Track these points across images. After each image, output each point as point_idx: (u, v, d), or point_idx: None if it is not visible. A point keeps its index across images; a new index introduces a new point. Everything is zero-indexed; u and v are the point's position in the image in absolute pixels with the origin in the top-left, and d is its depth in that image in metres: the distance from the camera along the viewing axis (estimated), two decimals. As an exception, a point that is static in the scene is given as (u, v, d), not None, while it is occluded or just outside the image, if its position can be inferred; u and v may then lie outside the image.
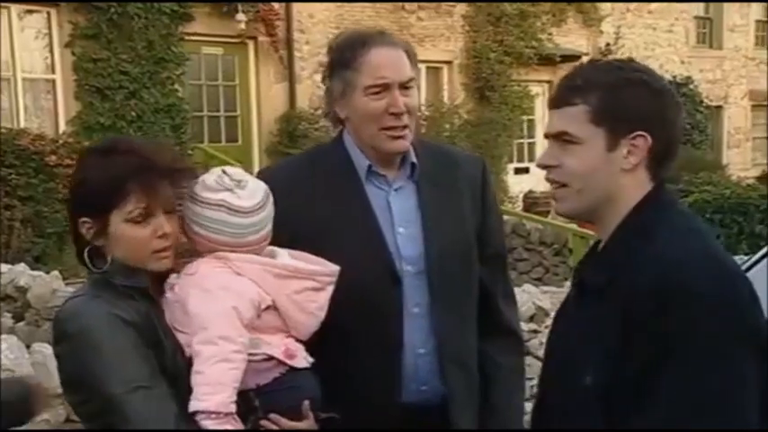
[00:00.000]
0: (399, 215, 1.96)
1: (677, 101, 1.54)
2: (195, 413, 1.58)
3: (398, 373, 1.91)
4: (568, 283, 6.66)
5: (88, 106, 9.57)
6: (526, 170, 14.24)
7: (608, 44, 15.39)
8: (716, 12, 18.33)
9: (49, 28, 9.53)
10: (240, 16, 10.44)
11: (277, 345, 1.70)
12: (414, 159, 1.99)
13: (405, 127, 1.92)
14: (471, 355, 2.04)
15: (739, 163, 18.25)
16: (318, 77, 11.23)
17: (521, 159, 14.25)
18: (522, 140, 14.13)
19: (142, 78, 9.79)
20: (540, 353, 6.40)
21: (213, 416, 1.57)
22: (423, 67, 12.77)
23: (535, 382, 5.70)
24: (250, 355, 1.65)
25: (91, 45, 9.54)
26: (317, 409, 1.75)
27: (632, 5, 16.33)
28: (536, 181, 14.21)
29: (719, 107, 18.15)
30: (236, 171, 1.75)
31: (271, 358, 1.69)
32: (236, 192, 1.70)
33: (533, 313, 6.36)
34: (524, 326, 6.33)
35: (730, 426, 1.34)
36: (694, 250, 1.43)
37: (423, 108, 12.21)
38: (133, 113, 9.70)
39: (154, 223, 1.65)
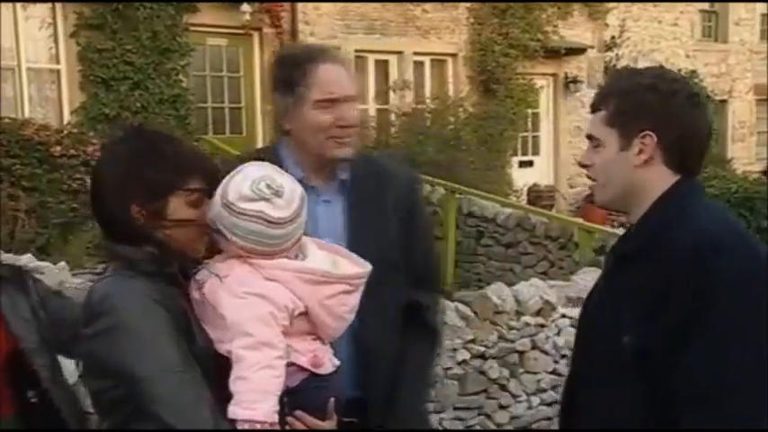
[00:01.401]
0: (325, 227, 2.01)
1: (692, 100, 1.68)
2: (235, 420, 1.55)
3: None
4: (575, 277, 6.65)
5: (93, 97, 9.53)
6: (530, 163, 14.19)
7: (613, 37, 15.31)
8: (721, 5, 18.26)
9: (54, 18, 9.48)
10: (245, 7, 10.38)
11: (304, 352, 1.69)
12: (344, 175, 2.08)
13: (349, 137, 2.02)
14: (392, 368, 2.05)
15: (744, 157, 18.19)
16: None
17: (525, 153, 14.19)
18: (526, 134, 14.06)
19: (147, 69, 9.74)
20: (548, 347, 6.45)
21: (258, 425, 1.55)
22: (427, 59, 12.75)
23: (541, 376, 5.67)
24: None
25: (96, 35, 9.49)
26: (341, 410, 1.74)
27: (638, -2, 16.26)
28: (540, 174, 14.17)
29: (724, 101, 18.09)
30: (269, 175, 1.69)
31: (297, 367, 1.68)
32: (274, 201, 1.66)
33: (540, 307, 6.31)
34: (531, 320, 6.29)
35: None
36: (726, 223, 1.60)
37: (428, 101, 12.18)
38: (138, 104, 9.65)
39: (201, 208, 1.68)
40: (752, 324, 1.46)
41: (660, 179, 1.68)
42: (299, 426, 1.68)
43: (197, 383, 1.55)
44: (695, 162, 1.70)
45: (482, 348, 5.84)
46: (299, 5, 11.12)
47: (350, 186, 2.09)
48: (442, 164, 10.32)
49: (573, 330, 6.57)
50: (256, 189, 1.65)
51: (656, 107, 1.66)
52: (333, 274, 1.71)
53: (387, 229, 2.07)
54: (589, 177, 1.78)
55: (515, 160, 13.59)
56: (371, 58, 12.22)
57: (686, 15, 17.38)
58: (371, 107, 12.21)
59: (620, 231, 9.97)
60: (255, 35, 11.00)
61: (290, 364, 1.65)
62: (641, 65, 16.01)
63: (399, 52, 12.30)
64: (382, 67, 12.35)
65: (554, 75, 14.15)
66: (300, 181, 1.89)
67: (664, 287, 1.52)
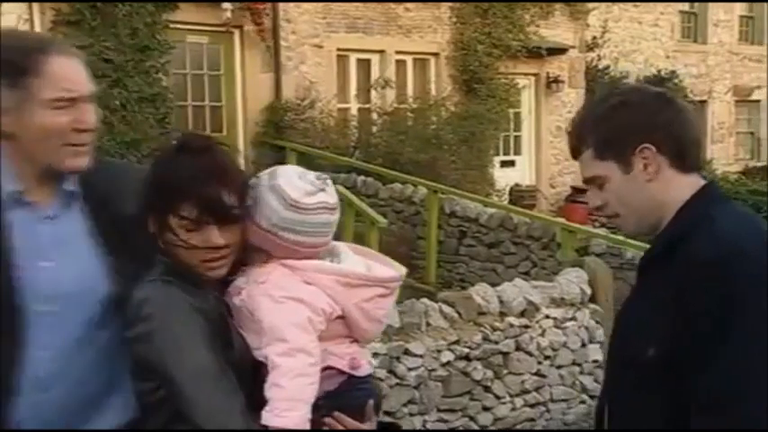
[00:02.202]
0: (50, 248, 1.72)
1: (663, 99, 1.67)
2: (267, 427, 1.56)
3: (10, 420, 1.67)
4: (558, 278, 6.62)
5: (70, 94, 9.37)
6: (512, 163, 14.19)
7: (594, 37, 15.36)
8: (700, 7, 18.38)
9: (31, 14, 9.32)
10: (226, 5, 10.28)
11: (342, 355, 1.70)
12: (71, 186, 1.77)
13: (88, 143, 1.75)
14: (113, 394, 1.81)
15: (722, 158, 18.32)
16: (305, 68, 11.11)
17: (507, 152, 14.19)
18: (508, 133, 14.07)
19: (126, 67, 9.61)
20: (532, 348, 6.44)
21: None
22: (409, 58, 12.72)
23: (525, 377, 5.63)
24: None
25: (73, 32, 9.33)
26: (377, 414, 1.76)
27: (618, -2, 16.33)
28: (522, 174, 14.18)
29: (704, 102, 18.20)
30: (300, 168, 1.72)
31: (336, 370, 1.69)
32: (327, 189, 1.70)
33: (524, 308, 6.30)
34: (515, 321, 6.27)
35: None
36: (749, 228, 1.56)
37: (410, 100, 12.14)
38: (117, 102, 9.52)
39: (205, 233, 1.63)
40: None
41: (675, 184, 1.64)
42: (338, 427, 1.68)
43: (230, 389, 1.57)
44: (697, 156, 1.68)
45: (466, 350, 5.81)
46: (281, 3, 11.03)
47: (85, 197, 1.78)
48: (423, 163, 10.29)
49: (557, 331, 6.65)
50: (310, 182, 1.68)
51: (638, 119, 1.64)
52: (370, 276, 1.71)
53: (118, 245, 1.77)
54: (609, 218, 1.75)
55: (497, 160, 13.58)
56: (353, 57, 12.17)
57: (666, 16, 17.48)
58: (353, 106, 12.16)
59: (602, 231, 10.05)
60: (236, 33, 10.90)
61: (327, 368, 1.66)
62: (621, 65, 16.17)
63: (381, 51, 12.25)
64: (364, 65, 12.29)
65: (536, 75, 14.16)
66: (17, 196, 1.69)
67: (687, 297, 1.49)
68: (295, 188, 1.67)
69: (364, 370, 1.73)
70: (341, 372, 1.70)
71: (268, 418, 1.56)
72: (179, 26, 10.21)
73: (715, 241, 1.51)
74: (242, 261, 1.72)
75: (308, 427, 1.58)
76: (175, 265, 1.67)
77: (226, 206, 1.64)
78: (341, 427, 1.68)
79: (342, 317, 1.68)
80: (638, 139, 1.62)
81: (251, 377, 1.62)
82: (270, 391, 1.58)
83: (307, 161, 10.07)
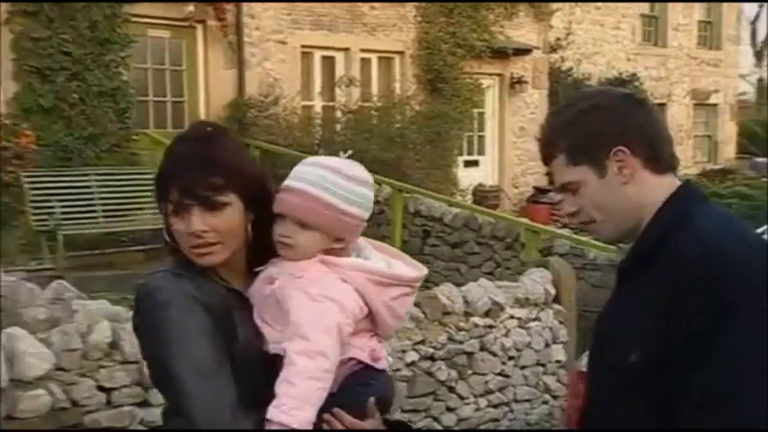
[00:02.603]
0: None
1: (631, 101, 1.65)
2: (271, 421, 1.55)
3: None
4: (523, 278, 6.59)
5: (27, 87, 9.15)
6: (476, 163, 14.21)
7: (558, 39, 15.45)
8: (661, 10, 18.60)
9: (-14, 4, 9.09)
10: (189, -1, 10.14)
11: (363, 347, 1.69)
12: None
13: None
14: None
15: (681, 160, 18.47)
16: (269, 64, 11.01)
17: (471, 152, 14.21)
18: (472, 133, 14.08)
19: (85, 60, 9.40)
20: (496, 348, 6.41)
21: None
22: (374, 56, 12.68)
23: (489, 378, 5.58)
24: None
25: (31, 23, 9.12)
26: (387, 411, 1.73)
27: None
28: (485, 174, 14.21)
29: (663, 105, 18.42)
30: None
31: (356, 361, 1.68)
32: (360, 167, 1.72)
33: (489, 308, 6.27)
34: (480, 321, 6.23)
35: None
36: (733, 229, 1.52)
37: (374, 99, 12.08)
38: (75, 96, 9.31)
39: (186, 218, 1.63)
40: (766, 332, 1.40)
41: (651, 186, 1.61)
42: (337, 425, 1.65)
43: (223, 384, 1.58)
44: (671, 156, 1.65)
45: (431, 350, 5.76)
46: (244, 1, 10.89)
47: None
48: (388, 162, 10.24)
49: (521, 331, 6.63)
50: (347, 159, 1.70)
51: (610, 122, 1.60)
52: (400, 276, 1.71)
53: None
54: (584, 225, 1.68)
55: (461, 160, 13.59)
56: (318, 54, 12.09)
57: (628, 20, 17.66)
58: (317, 103, 12.06)
59: (566, 232, 10.08)
60: (199, 28, 10.75)
61: (348, 360, 1.66)
62: (584, 67, 16.29)
63: (346, 49, 12.19)
64: (329, 63, 12.21)
65: (500, 75, 14.20)
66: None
67: (672, 300, 1.45)
68: (336, 161, 1.69)
69: (383, 363, 1.73)
70: (360, 362, 1.69)
71: (274, 413, 1.55)
72: (140, 20, 10.03)
73: (698, 240, 1.48)
74: (273, 252, 1.71)
75: (310, 427, 1.57)
76: (184, 259, 1.68)
77: (207, 190, 1.63)
78: (340, 426, 1.65)
79: (369, 313, 1.68)
80: (611, 142, 1.59)
81: (256, 370, 1.62)
82: (280, 387, 1.57)
83: (270, 159, 10.02)
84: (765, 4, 26.32)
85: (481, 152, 14.41)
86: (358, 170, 1.70)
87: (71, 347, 4.02)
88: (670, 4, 18.47)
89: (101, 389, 4.08)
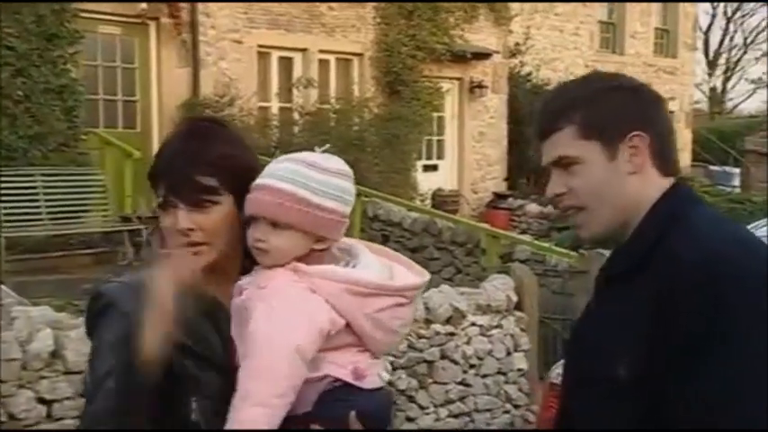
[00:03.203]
0: None
1: (655, 95, 1.56)
2: None
3: None
4: (485, 284, 6.46)
5: (-32, 83, 8.77)
6: (435, 167, 14.12)
7: (517, 44, 15.47)
8: (618, 17, 18.78)
9: (-75, -5, 8.69)
10: (141, -5, 9.84)
11: (344, 363, 1.52)
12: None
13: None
14: None
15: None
16: (225, 64, 10.74)
17: (430, 156, 14.12)
18: (431, 137, 14.00)
19: (31, 55, 9.03)
20: (457, 356, 6.27)
21: None
22: (332, 58, 12.52)
23: (450, 387, 5.44)
24: (308, 378, 1.48)
25: (-28, 16, 8.74)
26: (374, 428, 1.54)
27: (540, 5, 16.48)
28: (445, 179, 14.12)
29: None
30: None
31: (333, 378, 1.51)
32: (336, 159, 1.59)
33: (450, 315, 6.14)
34: (441, 328, 6.10)
35: None
36: (731, 233, 1.43)
37: (332, 101, 11.92)
38: (20, 93, 8.94)
39: (172, 215, 1.56)
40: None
41: (651, 184, 1.49)
42: None
43: (126, 395, 1.48)
44: (677, 161, 1.55)
45: (391, 358, 5.59)
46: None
47: None
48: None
49: (482, 339, 6.52)
50: (318, 154, 1.58)
51: (632, 105, 1.50)
52: (386, 285, 1.54)
53: None
54: (566, 209, 1.53)
55: (420, 164, 13.48)
56: (275, 55, 11.89)
57: (586, 26, 17.78)
58: (274, 105, 11.86)
59: (527, 238, 10.04)
60: (152, 25, 10.46)
61: (323, 377, 1.50)
62: (543, 73, 16.32)
63: (304, 50, 12.01)
64: (286, 64, 12.02)
65: (459, 79, 14.15)
66: None
67: (666, 309, 1.34)
68: (318, 156, 1.57)
69: (371, 382, 1.53)
70: (339, 380, 1.51)
71: None
72: (90, 15, 9.70)
73: (695, 242, 1.38)
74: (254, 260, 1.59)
75: None
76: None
77: (194, 189, 1.55)
78: None
79: (348, 327, 1.51)
80: (631, 126, 1.47)
81: (206, 383, 1.54)
82: (230, 412, 1.43)
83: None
84: (717, 14, 26.82)
85: (440, 156, 14.33)
86: (334, 162, 1.57)
87: (9, 357, 3.86)
88: (628, 12, 18.62)
89: (41, 401, 3.94)
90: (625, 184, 1.48)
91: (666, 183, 1.51)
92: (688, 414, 1.32)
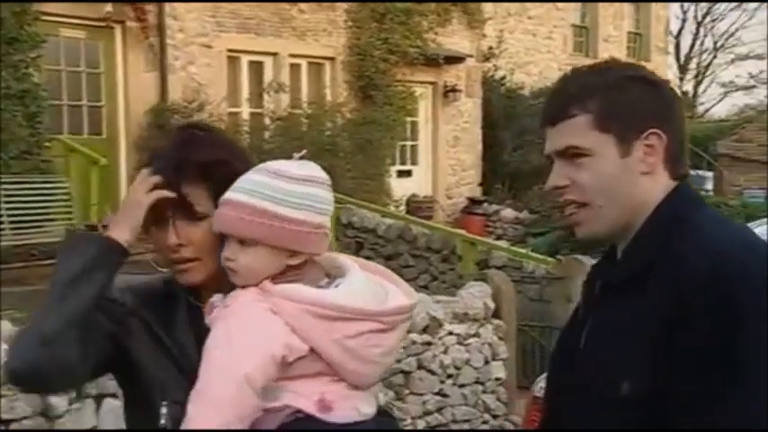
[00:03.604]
0: None
1: (674, 93, 1.49)
2: None
3: None
4: (461, 292, 6.31)
5: (-76, 88, 8.46)
6: (409, 173, 13.97)
7: (491, 48, 15.40)
8: (591, 21, 18.81)
9: None
10: (106, -3, 9.57)
11: (308, 393, 1.41)
12: None
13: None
14: None
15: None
16: (193, 69, 10.50)
17: (404, 162, 13.97)
18: (405, 143, 13.87)
19: (-10, 60, 8.75)
20: (434, 366, 6.12)
21: None
22: (304, 62, 12.36)
23: (427, 398, 5.27)
24: (264, 409, 1.38)
25: (-71, 19, 8.43)
26: None
27: (513, 9, 16.42)
28: (419, 185, 13.97)
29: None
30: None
31: (296, 409, 1.40)
32: (312, 165, 1.48)
33: (427, 324, 5.99)
34: (417, 337, 5.94)
35: None
36: (740, 237, 1.36)
37: (304, 105, 11.75)
38: (-21, 99, 8.64)
39: (163, 230, 1.51)
40: None
41: (660, 187, 1.41)
42: None
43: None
44: (686, 165, 1.46)
45: (366, 371, 5.41)
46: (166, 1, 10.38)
47: None
48: (319, 171, 9.87)
49: (460, 348, 6.38)
50: (291, 161, 1.48)
51: (653, 101, 1.41)
52: (357, 309, 1.41)
53: None
54: (567, 204, 1.43)
55: (394, 169, 13.33)
56: (245, 59, 11.69)
57: (559, 30, 17.78)
58: (245, 110, 11.65)
59: (503, 244, 9.89)
60: (118, 29, 10.19)
61: (284, 407, 1.40)
62: (517, 77, 16.25)
63: (275, 53, 11.83)
64: (256, 68, 11.82)
65: (433, 83, 14.05)
66: None
67: (675, 318, 1.27)
68: (289, 164, 1.47)
69: (344, 416, 1.40)
70: (303, 412, 1.40)
71: None
72: (52, 18, 9.40)
73: (701, 246, 1.31)
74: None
75: None
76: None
77: (180, 201, 1.49)
78: None
79: (314, 354, 1.40)
80: (650, 122, 1.39)
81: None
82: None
83: None
84: (688, 18, 27.03)
85: (414, 162, 14.18)
86: (307, 169, 1.46)
87: (-37, 376, 3.63)
88: (600, 16, 18.63)
89: (-2, 421, 3.80)
90: (636, 184, 1.40)
91: (672, 185, 1.43)
92: (696, 425, 1.26)
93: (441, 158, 14.33)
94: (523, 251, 8.21)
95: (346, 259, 1.53)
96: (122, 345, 1.52)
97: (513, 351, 7.11)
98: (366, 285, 1.46)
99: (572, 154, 1.41)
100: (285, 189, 1.42)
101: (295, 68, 12.16)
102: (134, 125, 10.27)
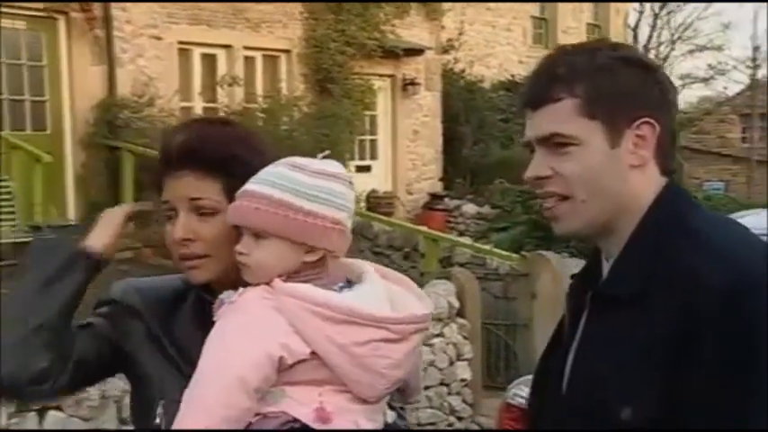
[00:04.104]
0: None
1: (670, 81, 1.38)
2: None
3: None
4: (425, 290, 6.16)
5: None
6: (368, 168, 13.71)
7: (450, 40, 15.24)
8: (550, 13, 18.80)
9: None
10: (47, -14, 9.13)
11: (306, 401, 1.36)
12: None
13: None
14: None
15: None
16: (143, 62, 10.10)
17: (363, 157, 13.71)
18: (364, 137, 13.61)
19: (-77, 53, 8.27)
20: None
21: None
22: (259, 54, 12.06)
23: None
24: (262, 413, 1.35)
25: None
26: None
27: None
28: (379, 180, 13.72)
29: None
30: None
31: (292, 418, 1.35)
32: (335, 164, 1.45)
33: (389, 326, 5.77)
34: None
35: None
36: (749, 241, 1.28)
37: (259, 99, 11.45)
38: None
39: (173, 222, 1.48)
40: None
41: (649, 184, 1.31)
42: None
43: None
44: (674, 159, 1.39)
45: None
46: (114, -9, 9.98)
47: None
48: (275, 167, 9.60)
49: (424, 349, 6.14)
50: (321, 157, 1.45)
51: (648, 87, 1.31)
52: (364, 314, 1.36)
53: None
54: (547, 196, 1.33)
55: (353, 164, 13.03)
56: (197, 51, 11.31)
57: (519, 21, 17.70)
58: (197, 104, 11.29)
59: (465, 240, 9.67)
60: (61, 19, 9.74)
61: (280, 413, 1.35)
62: (476, 69, 16.08)
63: (228, 46, 11.48)
64: (209, 61, 11.45)
65: (392, 76, 13.83)
66: None
67: (684, 336, 1.18)
68: (310, 160, 1.43)
69: (340, 426, 1.34)
70: (296, 421, 1.34)
71: None
72: (-11, 8, 8.93)
73: (717, 261, 1.20)
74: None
75: None
76: None
77: (191, 192, 1.47)
78: None
79: (317, 358, 1.34)
80: (643, 110, 1.29)
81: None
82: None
83: (145, 164, 9.25)
84: (645, 10, 27.19)
85: (374, 156, 13.94)
86: (328, 165, 1.43)
87: None
88: (560, 8, 18.59)
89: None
90: (624, 178, 1.30)
91: (662, 182, 1.34)
92: None
93: (400, 153, 14.11)
94: (487, 247, 8.02)
95: (369, 266, 1.49)
96: (120, 347, 1.53)
97: (478, 351, 7.01)
98: (381, 292, 1.42)
99: (556, 142, 1.30)
100: (304, 181, 1.38)
101: (249, 61, 11.84)
102: (80, 121, 9.84)
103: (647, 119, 1.29)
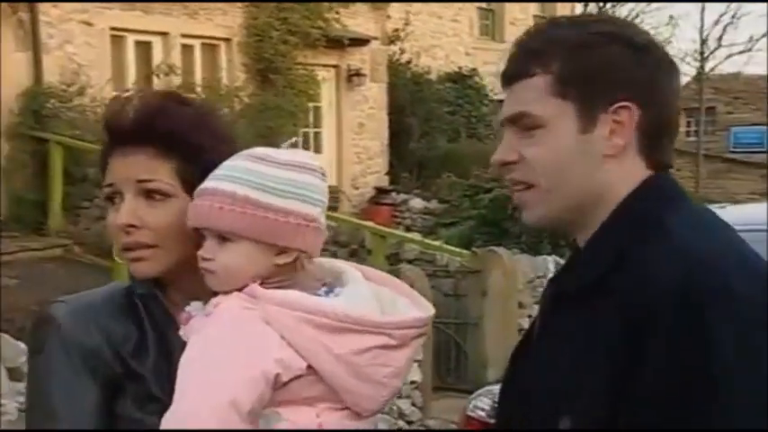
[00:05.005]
0: None
1: (668, 61, 1.24)
2: None
3: None
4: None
5: None
6: (312, 161, 13.43)
7: (396, 30, 15.10)
8: (497, 4, 18.79)
9: None
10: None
11: (304, 423, 1.25)
12: None
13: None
14: None
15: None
16: (72, 48, 9.59)
17: (307, 150, 13.36)
18: (308, 129, 13.35)
19: None
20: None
21: None
22: (197, 43, 11.79)
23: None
24: None
25: None
26: None
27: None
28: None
29: (502, 101, 18.49)
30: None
31: None
32: (304, 153, 1.34)
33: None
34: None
35: None
36: (720, 246, 1.16)
37: (198, 89, 11.09)
38: None
39: (116, 208, 1.34)
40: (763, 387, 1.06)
41: (629, 178, 1.21)
42: None
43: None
44: (670, 151, 1.26)
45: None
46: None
47: None
48: (215, 160, 9.30)
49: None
50: (287, 146, 1.35)
51: (630, 66, 1.20)
52: (361, 319, 1.26)
53: None
54: (513, 183, 1.25)
55: (296, 158, 12.75)
56: (131, 39, 10.92)
57: (465, 12, 17.67)
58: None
59: (413, 235, 9.44)
60: (-19, 2, 9.21)
61: None
62: (423, 61, 15.87)
63: (164, 33, 11.11)
64: (144, 49, 11.08)
65: (336, 66, 13.61)
66: None
67: (634, 342, 1.09)
68: (276, 150, 1.31)
69: None
70: None
71: None
72: None
73: (678, 266, 1.11)
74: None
75: None
76: None
77: (140, 173, 1.33)
78: None
79: (313, 373, 1.25)
80: (622, 92, 1.19)
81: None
82: None
83: (74, 156, 9.11)
84: (589, 3, 27.47)
85: (318, 150, 13.65)
86: (298, 155, 1.32)
87: None
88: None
89: None
90: (596, 168, 1.20)
91: (645, 176, 1.23)
92: None
93: (345, 146, 13.89)
94: (436, 243, 7.83)
95: (348, 266, 1.39)
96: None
97: (428, 351, 6.80)
98: (371, 295, 1.32)
99: (524, 124, 1.21)
100: (269, 174, 1.27)
101: (187, 50, 11.48)
102: (5, 110, 9.43)
103: (624, 102, 1.18)
